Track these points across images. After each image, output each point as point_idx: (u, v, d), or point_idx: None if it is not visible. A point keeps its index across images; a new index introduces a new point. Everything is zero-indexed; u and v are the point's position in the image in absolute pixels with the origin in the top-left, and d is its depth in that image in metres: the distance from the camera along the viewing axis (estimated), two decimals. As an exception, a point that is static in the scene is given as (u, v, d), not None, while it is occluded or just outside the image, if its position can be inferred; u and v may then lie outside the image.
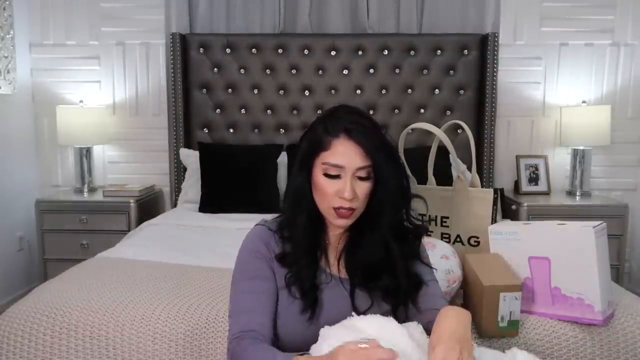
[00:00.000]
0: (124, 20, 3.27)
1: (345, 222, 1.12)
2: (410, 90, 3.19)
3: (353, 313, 1.09)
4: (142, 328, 1.44)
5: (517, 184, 3.20)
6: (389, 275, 1.14)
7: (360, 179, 1.10)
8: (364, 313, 1.11)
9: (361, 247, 1.16)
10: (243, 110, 3.21)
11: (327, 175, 1.09)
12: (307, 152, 1.12)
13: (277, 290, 1.14)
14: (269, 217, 1.24)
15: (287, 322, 1.12)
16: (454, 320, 1.00)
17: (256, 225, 1.21)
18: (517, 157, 3.22)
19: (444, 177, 2.27)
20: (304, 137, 1.16)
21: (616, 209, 2.92)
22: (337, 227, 1.15)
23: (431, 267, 1.23)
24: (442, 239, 1.76)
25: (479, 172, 3.09)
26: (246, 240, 1.18)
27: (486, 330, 1.40)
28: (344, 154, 1.08)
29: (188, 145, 3.18)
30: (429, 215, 1.81)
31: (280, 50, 3.16)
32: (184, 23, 3.20)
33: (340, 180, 1.09)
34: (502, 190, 1.76)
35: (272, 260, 1.15)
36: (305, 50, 3.16)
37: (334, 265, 1.18)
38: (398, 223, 1.16)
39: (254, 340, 1.05)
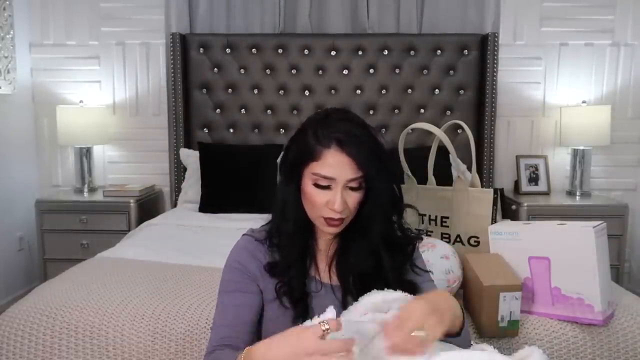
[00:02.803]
0: (124, 20, 3.27)
1: (335, 230, 1.10)
2: (410, 90, 3.19)
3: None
4: (142, 328, 1.44)
5: (517, 184, 3.20)
6: (380, 284, 1.12)
7: (352, 189, 1.07)
8: None
9: (351, 253, 1.14)
10: (243, 110, 3.21)
11: (317, 185, 1.06)
12: (296, 160, 1.09)
13: (262, 302, 1.12)
14: (265, 218, 1.21)
15: (279, 332, 1.11)
16: (438, 296, 1.02)
17: (243, 235, 1.19)
18: (517, 157, 3.22)
19: (444, 177, 2.27)
20: (293, 141, 1.12)
21: (616, 209, 2.92)
22: (327, 233, 1.14)
23: (426, 271, 1.22)
24: (442, 239, 1.75)
25: (479, 172, 3.10)
26: (231, 253, 1.16)
27: (486, 330, 1.40)
28: (335, 166, 1.04)
29: (188, 145, 3.18)
30: (429, 216, 1.81)
31: (280, 50, 3.16)
32: (184, 23, 3.20)
33: (331, 191, 1.06)
34: (502, 190, 1.76)
35: (258, 272, 1.12)
36: (305, 50, 3.16)
37: (324, 272, 1.16)
38: (389, 232, 1.14)
39: (223, 351, 1.05)
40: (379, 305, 1.03)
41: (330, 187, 1.06)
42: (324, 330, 0.84)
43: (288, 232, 1.12)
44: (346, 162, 1.04)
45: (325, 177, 1.05)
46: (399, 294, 1.05)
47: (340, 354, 0.83)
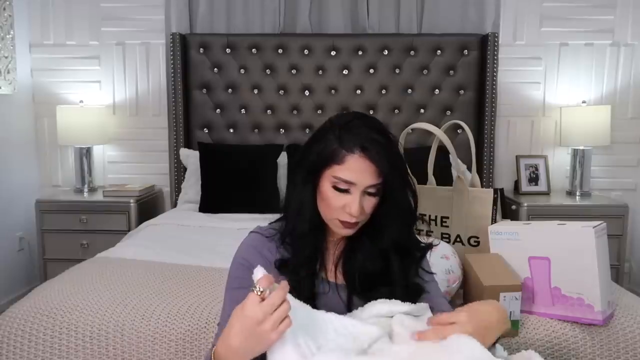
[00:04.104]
0: (124, 20, 3.27)
1: (349, 232, 1.11)
2: (410, 90, 3.19)
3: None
4: (142, 328, 1.44)
5: (517, 184, 3.20)
6: (386, 285, 1.12)
7: (369, 194, 1.07)
8: None
9: (359, 254, 1.14)
10: (243, 110, 3.21)
11: (336, 188, 1.06)
12: (316, 161, 1.08)
13: None
14: (268, 217, 1.22)
15: None
16: (491, 310, 1.04)
17: (250, 232, 1.19)
18: (517, 157, 3.22)
19: (444, 177, 2.27)
20: (312, 144, 1.11)
21: (616, 209, 2.92)
22: (337, 233, 1.14)
23: (431, 273, 1.23)
24: (442, 239, 1.75)
25: (479, 172, 3.10)
26: (238, 250, 1.17)
27: (486, 330, 1.39)
28: (357, 171, 1.04)
29: (188, 145, 3.18)
30: (429, 216, 1.81)
31: (280, 50, 3.16)
32: (184, 23, 3.20)
33: (349, 195, 1.06)
34: (502, 190, 1.76)
35: (267, 268, 1.10)
36: (305, 50, 3.15)
37: (330, 271, 1.16)
38: (401, 238, 1.14)
39: None
40: (383, 313, 1.04)
41: (349, 191, 1.06)
42: (259, 294, 0.88)
43: (302, 232, 1.12)
44: (368, 168, 1.04)
45: (346, 181, 1.05)
46: (406, 307, 1.05)
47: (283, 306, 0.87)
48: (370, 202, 1.08)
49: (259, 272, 0.92)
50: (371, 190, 1.07)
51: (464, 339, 0.95)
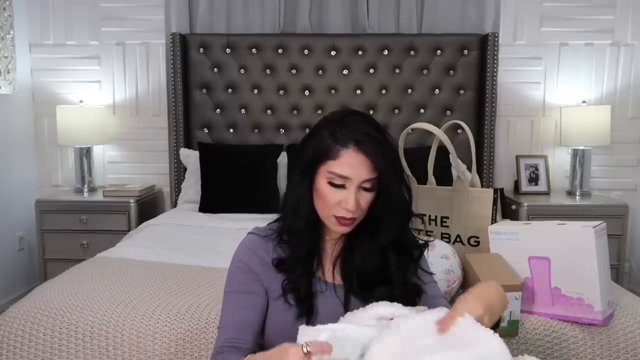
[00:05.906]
0: (124, 20, 3.27)
1: (346, 229, 1.11)
2: (410, 90, 3.19)
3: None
4: (142, 328, 1.44)
5: (517, 184, 3.20)
6: (384, 285, 1.13)
7: (365, 189, 1.08)
8: None
9: (357, 253, 1.14)
10: (243, 110, 3.21)
11: (331, 184, 1.07)
12: (311, 158, 1.09)
13: (267, 301, 1.12)
14: (268, 218, 1.22)
15: (281, 328, 1.10)
16: (492, 290, 1.05)
17: (248, 233, 1.19)
18: (517, 157, 3.22)
19: (444, 177, 2.28)
20: (307, 142, 1.12)
21: (616, 209, 2.92)
22: (335, 232, 1.14)
23: (430, 273, 1.23)
24: (442, 239, 1.76)
25: (479, 172, 3.10)
26: (236, 252, 1.17)
27: (486, 330, 1.40)
28: (352, 166, 1.05)
29: (188, 145, 3.18)
30: (429, 216, 1.81)
31: (280, 50, 3.16)
32: (184, 23, 3.20)
33: (345, 190, 1.06)
34: (502, 190, 1.76)
35: (263, 271, 1.13)
36: (305, 50, 3.15)
37: (328, 271, 1.16)
38: (398, 235, 1.14)
39: (230, 352, 1.06)
40: (384, 315, 1.04)
41: (345, 186, 1.06)
42: (305, 352, 0.85)
43: (298, 230, 1.12)
44: (363, 162, 1.05)
45: (341, 176, 1.06)
46: (407, 311, 1.05)
47: None
48: (366, 198, 1.08)
49: (323, 336, 0.91)
50: (366, 185, 1.07)
51: (484, 333, 0.95)
